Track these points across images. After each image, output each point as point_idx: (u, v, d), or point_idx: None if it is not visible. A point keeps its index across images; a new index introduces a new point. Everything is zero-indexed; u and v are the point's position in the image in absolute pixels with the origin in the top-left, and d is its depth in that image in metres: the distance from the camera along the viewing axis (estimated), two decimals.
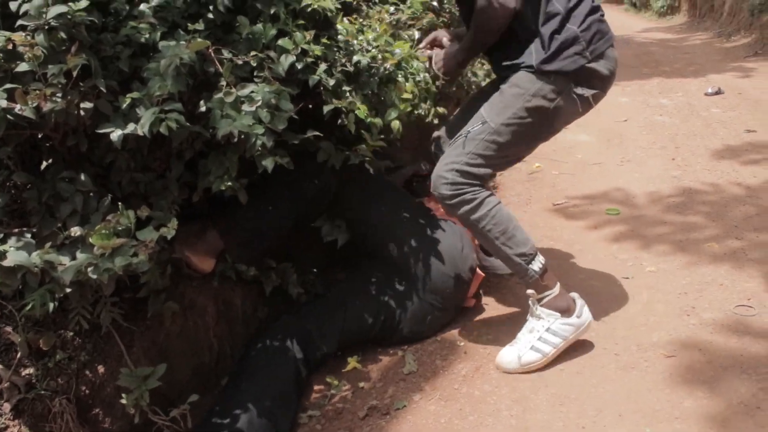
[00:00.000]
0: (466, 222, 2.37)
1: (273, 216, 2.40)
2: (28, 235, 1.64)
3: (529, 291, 2.39)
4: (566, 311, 2.38)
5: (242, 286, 2.50)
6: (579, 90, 2.33)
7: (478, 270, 2.78)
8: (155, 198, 2.00)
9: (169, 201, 1.96)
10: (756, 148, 4.99)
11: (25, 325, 1.81)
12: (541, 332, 2.37)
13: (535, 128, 2.38)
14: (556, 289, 2.38)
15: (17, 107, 1.43)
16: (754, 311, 2.63)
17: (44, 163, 1.85)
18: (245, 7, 2.09)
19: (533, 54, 2.29)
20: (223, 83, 1.84)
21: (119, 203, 1.67)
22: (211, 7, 1.99)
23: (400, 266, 2.59)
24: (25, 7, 1.49)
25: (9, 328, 1.82)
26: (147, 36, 1.79)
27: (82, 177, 1.71)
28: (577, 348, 2.48)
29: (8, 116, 1.43)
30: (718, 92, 7.37)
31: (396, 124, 2.26)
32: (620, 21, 19.92)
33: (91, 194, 1.71)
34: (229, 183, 1.99)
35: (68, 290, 1.67)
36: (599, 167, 4.77)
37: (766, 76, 8.41)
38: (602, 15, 2.37)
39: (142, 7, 1.79)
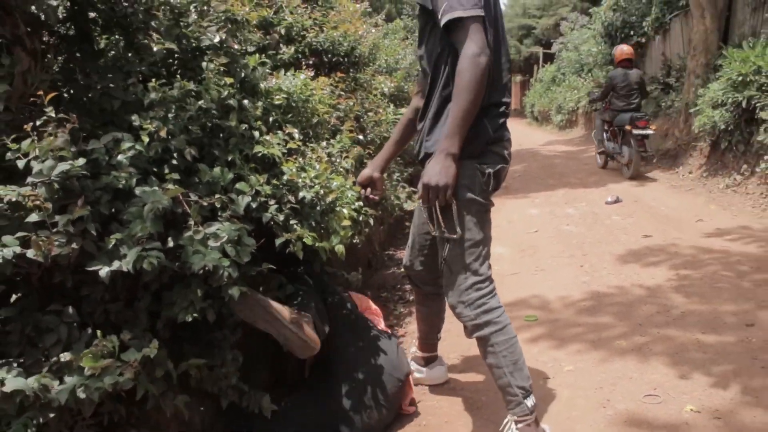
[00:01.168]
0: (486, 340, 2.55)
1: None
2: (15, 364, 1.81)
3: (509, 416, 2.58)
4: None
5: (199, 401, 2.66)
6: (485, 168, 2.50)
7: (411, 378, 3.06)
8: (125, 325, 2.19)
9: (140, 329, 2.16)
10: (653, 251, 5.54)
11: None
12: None
13: (478, 213, 2.54)
14: (533, 417, 2.57)
15: (29, 252, 1.65)
16: (660, 399, 2.98)
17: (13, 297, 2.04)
18: (203, 154, 2.39)
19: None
20: (191, 222, 2.10)
21: (97, 331, 1.87)
22: (175, 155, 2.27)
23: (351, 373, 2.83)
24: (38, 167, 1.74)
25: None
26: (124, 182, 2.04)
27: (70, 310, 1.91)
28: None
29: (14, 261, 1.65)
30: (617, 201, 8.07)
31: (340, 249, 2.55)
32: (525, 134, 21.32)
33: (74, 324, 1.91)
34: (195, 314, 2.20)
35: (51, 415, 1.84)
36: (516, 277, 5.16)
37: (656, 185, 9.25)
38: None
39: (120, 157, 2.05)
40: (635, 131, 9.37)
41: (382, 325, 3.30)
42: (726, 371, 3.21)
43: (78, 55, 2.58)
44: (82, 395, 1.71)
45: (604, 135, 10.88)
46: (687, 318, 3.93)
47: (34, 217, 1.71)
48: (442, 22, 2.30)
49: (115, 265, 1.85)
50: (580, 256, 5.61)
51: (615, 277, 4.89)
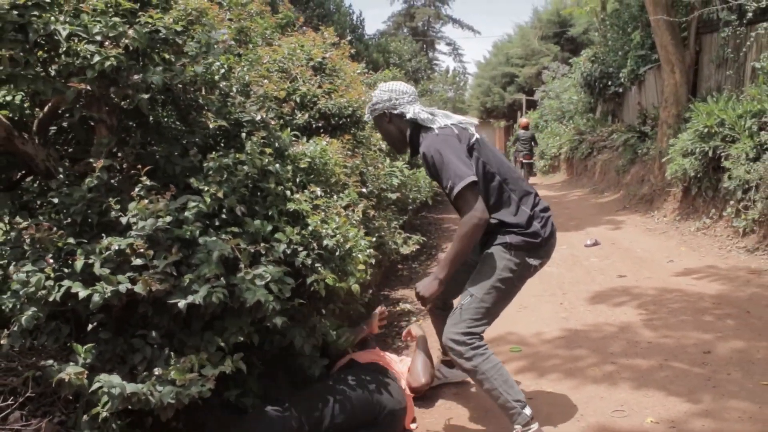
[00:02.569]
0: (476, 371, 3.10)
1: None
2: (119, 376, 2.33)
3: (516, 427, 3.13)
4: None
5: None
6: (530, 260, 3.26)
7: (409, 401, 3.58)
8: (186, 348, 2.71)
9: (196, 347, 2.68)
10: (626, 290, 6.12)
11: None
12: None
13: (506, 291, 3.27)
14: (536, 425, 3.13)
15: (137, 287, 2.19)
16: (625, 413, 3.52)
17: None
18: (246, 209, 2.94)
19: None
20: (242, 265, 2.63)
21: (172, 353, 2.40)
22: (225, 210, 2.82)
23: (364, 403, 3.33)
24: (141, 224, 2.29)
25: None
26: (189, 234, 2.58)
27: (153, 334, 2.44)
28: None
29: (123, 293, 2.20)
30: (596, 243, 8.66)
31: (356, 288, 3.10)
32: None
33: (155, 346, 2.44)
34: (241, 338, 2.72)
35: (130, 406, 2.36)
36: (501, 314, 5.68)
37: (632, 228, 9.86)
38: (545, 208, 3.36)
39: (187, 213, 2.59)
40: (524, 161, 17.68)
41: (389, 361, 3.82)
42: (682, 390, 3.75)
43: (131, 124, 3.16)
44: (172, 401, 2.23)
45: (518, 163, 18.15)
46: (652, 348, 4.49)
47: (138, 261, 2.26)
48: (452, 198, 3.03)
49: (189, 298, 2.39)
50: (560, 294, 6.17)
51: (590, 314, 5.45)
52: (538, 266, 3.33)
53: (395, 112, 3.27)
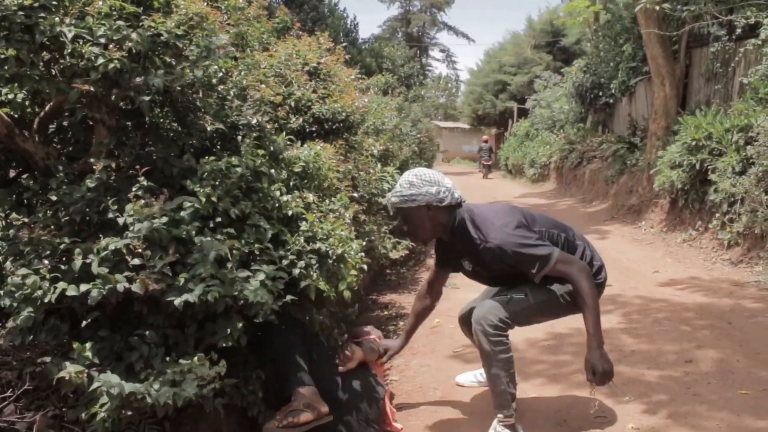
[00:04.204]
0: (493, 356, 3.27)
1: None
2: (109, 372, 2.39)
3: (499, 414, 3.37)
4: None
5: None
6: None
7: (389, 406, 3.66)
8: (177, 347, 2.76)
9: (191, 348, 2.74)
10: (610, 299, 6.20)
11: None
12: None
13: (555, 311, 3.50)
14: (513, 417, 3.37)
15: (134, 286, 2.25)
16: (607, 419, 3.60)
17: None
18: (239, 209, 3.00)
19: None
20: (230, 265, 2.68)
21: (169, 352, 2.46)
22: (219, 212, 2.88)
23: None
24: (137, 226, 2.35)
25: None
26: (185, 234, 2.64)
27: (147, 333, 2.50)
28: None
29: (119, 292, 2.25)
30: None
31: (347, 293, 3.16)
32: (499, 186, 22.15)
33: (152, 345, 2.49)
34: (230, 343, 2.77)
35: (130, 413, 2.41)
36: None
37: (619, 237, 9.97)
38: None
39: (182, 213, 2.65)
40: (485, 163, 27.00)
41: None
42: (663, 398, 3.84)
43: (128, 124, 3.21)
44: (169, 401, 2.29)
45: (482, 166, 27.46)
46: (635, 356, 4.57)
47: (136, 261, 2.32)
48: (537, 279, 3.25)
49: (185, 297, 2.44)
50: None
51: (575, 321, 5.50)
52: None
53: (442, 204, 3.38)
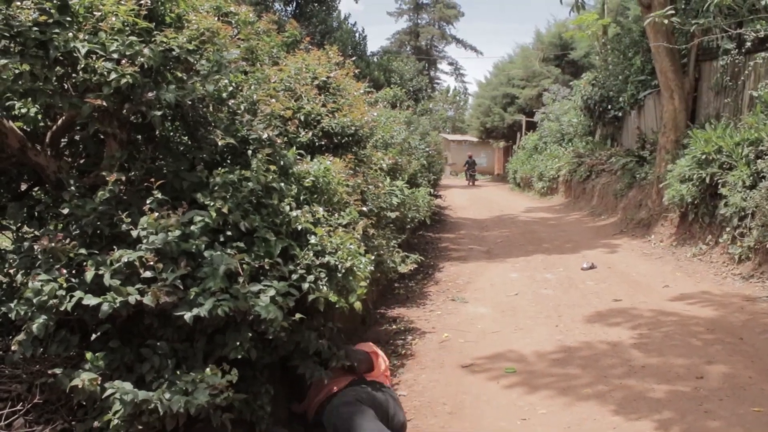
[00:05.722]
0: None
1: None
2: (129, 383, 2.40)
3: None
4: None
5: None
6: None
7: None
8: (186, 361, 2.77)
9: (200, 362, 2.74)
10: (620, 313, 6.18)
11: None
12: None
13: None
14: None
15: (146, 299, 2.26)
16: None
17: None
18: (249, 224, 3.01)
19: None
20: (242, 280, 2.69)
21: (180, 363, 2.47)
22: (230, 225, 2.89)
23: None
24: (152, 238, 2.37)
25: None
26: (195, 248, 2.65)
27: (158, 344, 2.50)
28: None
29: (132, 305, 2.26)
30: (592, 267, 8.71)
31: (358, 305, 3.16)
32: (508, 200, 22.11)
33: (162, 356, 2.50)
34: (242, 353, 2.78)
35: (140, 427, 2.41)
36: (497, 335, 5.75)
37: (629, 252, 9.92)
38: None
39: (193, 227, 2.66)
40: (471, 174, 33.22)
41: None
42: (674, 414, 3.81)
43: (139, 138, 3.24)
44: (181, 409, 2.29)
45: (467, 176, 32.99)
46: (645, 370, 4.55)
47: (148, 274, 2.33)
48: None
49: (195, 311, 2.45)
50: (555, 317, 6.23)
51: (585, 335, 5.51)
52: None
53: None
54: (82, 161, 3.20)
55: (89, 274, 2.35)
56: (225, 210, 2.76)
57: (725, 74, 10.83)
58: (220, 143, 3.03)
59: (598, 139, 18.93)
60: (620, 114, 16.64)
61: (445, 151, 27.74)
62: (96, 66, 2.51)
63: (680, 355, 4.85)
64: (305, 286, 2.92)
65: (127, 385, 2.29)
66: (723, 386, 4.21)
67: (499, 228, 13.83)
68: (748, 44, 9.60)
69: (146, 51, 2.59)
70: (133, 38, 2.62)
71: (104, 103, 2.57)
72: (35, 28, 2.36)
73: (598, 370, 4.62)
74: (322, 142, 4.81)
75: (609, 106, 16.93)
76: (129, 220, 2.50)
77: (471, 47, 57.06)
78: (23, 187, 3.23)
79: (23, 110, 2.93)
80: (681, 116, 11.29)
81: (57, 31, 2.42)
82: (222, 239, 2.85)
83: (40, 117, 3.06)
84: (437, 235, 12.74)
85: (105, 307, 2.27)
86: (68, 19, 2.49)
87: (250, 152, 3.20)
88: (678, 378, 4.39)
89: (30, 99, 2.70)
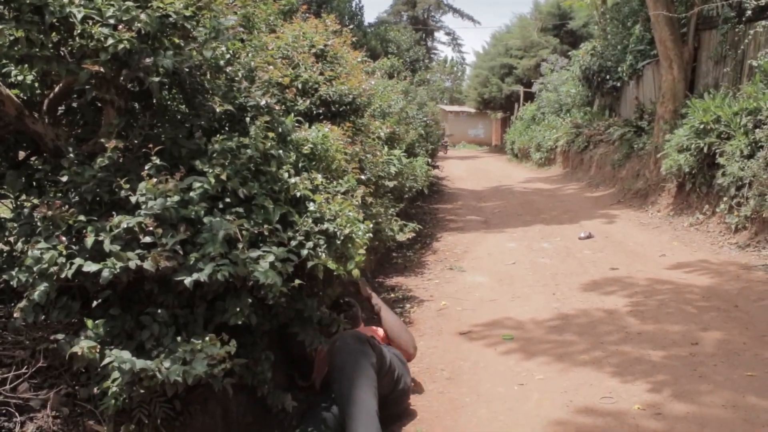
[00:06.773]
0: None
1: None
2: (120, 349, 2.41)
3: None
4: None
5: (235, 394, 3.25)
6: None
7: None
8: (186, 327, 2.79)
9: (200, 328, 2.76)
10: (617, 281, 6.22)
11: (105, 417, 2.52)
12: None
13: None
14: None
15: (146, 264, 2.27)
16: (614, 400, 3.62)
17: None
18: (248, 191, 3.01)
19: None
20: (241, 246, 2.70)
21: (179, 331, 2.49)
22: (228, 192, 2.89)
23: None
24: (150, 203, 2.37)
25: (92, 422, 2.52)
26: (194, 214, 2.65)
27: (159, 311, 2.52)
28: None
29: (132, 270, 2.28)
30: (589, 236, 8.75)
31: (356, 273, 3.18)
32: (505, 170, 22.13)
33: (162, 324, 2.52)
34: (243, 319, 2.80)
35: (142, 391, 2.44)
36: (494, 303, 5.80)
37: (626, 222, 9.96)
38: None
39: (192, 194, 2.66)
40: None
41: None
42: (669, 379, 3.86)
43: (137, 105, 3.22)
44: (179, 379, 2.31)
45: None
46: (640, 337, 4.60)
47: (148, 239, 2.34)
48: None
49: (195, 276, 2.47)
50: (552, 285, 6.27)
51: (582, 303, 5.55)
52: None
53: None
54: (79, 129, 3.19)
55: (89, 241, 2.35)
56: (224, 177, 2.76)
57: (725, 43, 10.79)
58: (218, 110, 3.02)
59: (597, 109, 18.89)
60: (619, 84, 16.59)
61: (442, 122, 27.70)
62: (93, 32, 2.49)
63: (676, 322, 4.90)
64: (304, 252, 2.93)
65: (126, 354, 2.31)
66: (717, 352, 4.26)
67: (497, 198, 13.85)
68: (749, 12, 9.55)
69: (143, 16, 2.56)
70: (129, 3, 2.59)
71: (101, 69, 2.55)
72: None
73: (595, 336, 4.66)
74: (320, 110, 4.80)
75: (607, 77, 16.88)
76: (128, 186, 2.50)
77: (468, 17, 56.79)
78: (21, 155, 3.23)
79: (19, 78, 2.91)
80: (680, 86, 11.27)
81: None
82: (221, 206, 2.85)
83: (36, 85, 3.04)
84: (435, 206, 12.76)
85: (105, 273, 2.28)
86: None
87: (248, 119, 3.18)
88: (673, 344, 4.43)
89: (26, 66, 2.68)
